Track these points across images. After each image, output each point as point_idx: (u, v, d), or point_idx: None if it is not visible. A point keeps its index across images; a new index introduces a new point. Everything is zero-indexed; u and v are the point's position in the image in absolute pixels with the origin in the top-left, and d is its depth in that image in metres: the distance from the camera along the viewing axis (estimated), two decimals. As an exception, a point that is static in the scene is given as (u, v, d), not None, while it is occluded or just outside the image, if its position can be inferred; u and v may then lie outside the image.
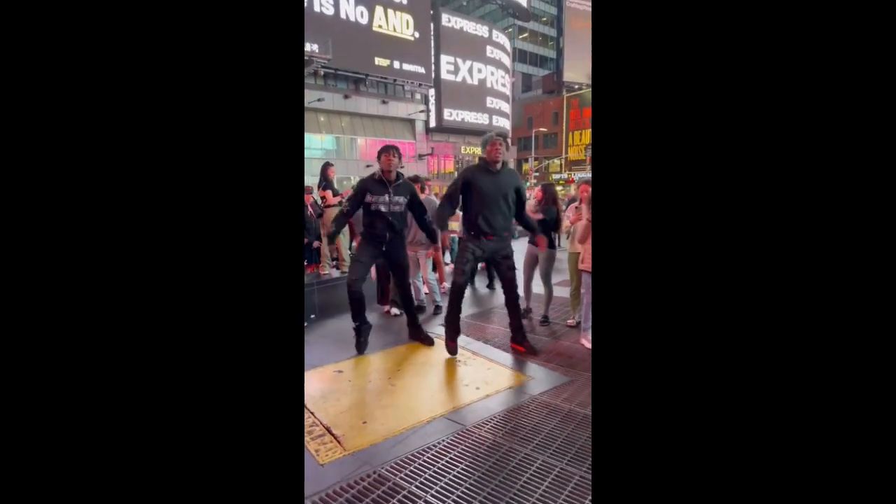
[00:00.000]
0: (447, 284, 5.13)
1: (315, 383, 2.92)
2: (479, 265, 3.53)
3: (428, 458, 2.07)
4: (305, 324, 4.19)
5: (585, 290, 3.57)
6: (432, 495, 1.81)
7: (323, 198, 5.40)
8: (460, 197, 3.23)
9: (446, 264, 5.86)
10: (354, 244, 5.00)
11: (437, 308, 4.54)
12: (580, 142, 36.64)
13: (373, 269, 4.24)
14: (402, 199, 3.45)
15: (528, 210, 4.11)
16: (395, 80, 24.68)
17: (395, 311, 4.42)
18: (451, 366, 3.22)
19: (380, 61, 23.47)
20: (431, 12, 25.27)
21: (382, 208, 3.37)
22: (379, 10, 23.25)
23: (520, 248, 3.90)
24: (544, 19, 42.67)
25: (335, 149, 23.37)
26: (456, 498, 1.79)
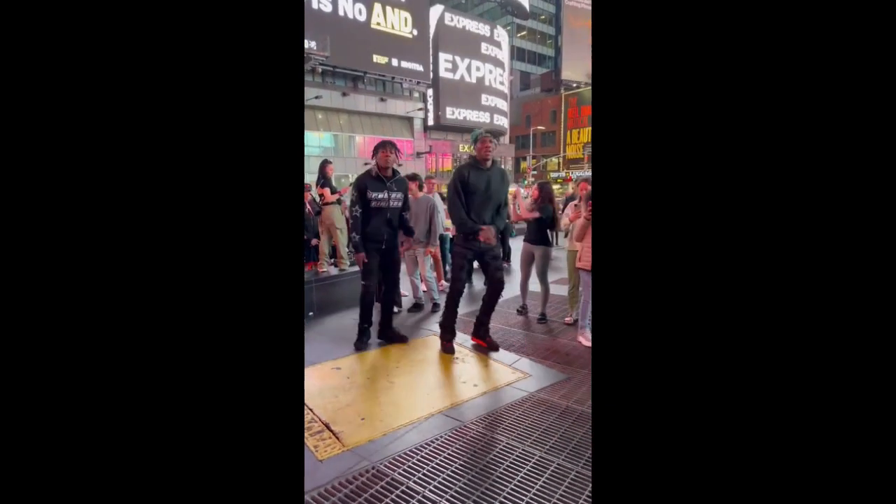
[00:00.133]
0: (445, 283, 5.15)
1: (313, 380, 2.93)
2: (475, 265, 3.59)
3: (426, 454, 2.08)
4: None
5: (583, 287, 3.59)
6: (430, 490, 1.82)
7: (321, 195, 5.39)
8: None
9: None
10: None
11: (436, 306, 4.55)
12: (578, 140, 36.65)
13: None
14: (400, 195, 3.47)
15: (524, 208, 4.18)
16: (393, 78, 24.61)
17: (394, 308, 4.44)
18: (448, 363, 3.23)
19: (378, 59, 23.38)
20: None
21: (382, 205, 3.38)
22: (377, 7, 23.15)
23: (517, 247, 3.91)
24: (543, 17, 42.63)
25: (333, 146, 23.30)
26: (454, 493, 1.80)
